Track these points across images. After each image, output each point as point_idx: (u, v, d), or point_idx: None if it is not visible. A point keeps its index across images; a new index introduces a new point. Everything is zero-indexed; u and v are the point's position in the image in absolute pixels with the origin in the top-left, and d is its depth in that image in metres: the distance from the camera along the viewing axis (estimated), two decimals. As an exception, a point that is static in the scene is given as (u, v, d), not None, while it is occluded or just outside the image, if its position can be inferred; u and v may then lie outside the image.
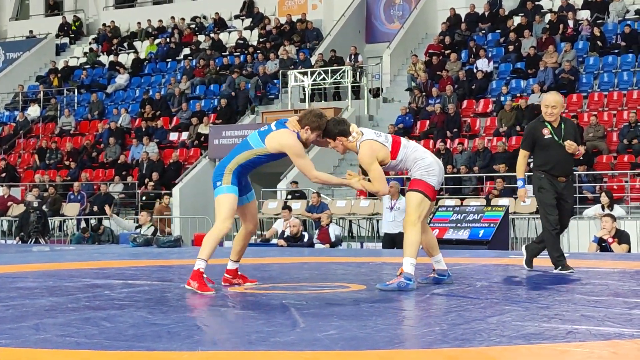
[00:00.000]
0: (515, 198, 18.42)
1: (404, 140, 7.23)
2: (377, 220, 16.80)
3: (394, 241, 15.06)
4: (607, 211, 15.15)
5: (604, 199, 15.99)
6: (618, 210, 16.06)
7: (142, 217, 17.27)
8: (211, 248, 7.04)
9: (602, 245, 13.11)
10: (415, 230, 6.98)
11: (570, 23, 24.85)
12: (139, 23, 33.68)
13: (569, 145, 8.52)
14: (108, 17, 35.13)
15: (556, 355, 4.15)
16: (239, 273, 7.55)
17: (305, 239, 15.62)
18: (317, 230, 16.75)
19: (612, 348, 4.28)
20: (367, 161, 7.00)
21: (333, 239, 15.99)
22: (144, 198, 23.24)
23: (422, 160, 7.07)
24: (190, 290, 6.90)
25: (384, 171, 7.11)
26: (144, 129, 26.37)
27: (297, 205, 19.20)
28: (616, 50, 23.33)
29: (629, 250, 13.08)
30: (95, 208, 22.38)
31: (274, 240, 16.28)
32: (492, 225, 14.53)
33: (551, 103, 8.62)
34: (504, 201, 17.47)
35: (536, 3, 26.23)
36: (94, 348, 4.36)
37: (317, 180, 7.16)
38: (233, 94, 26.38)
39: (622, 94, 21.93)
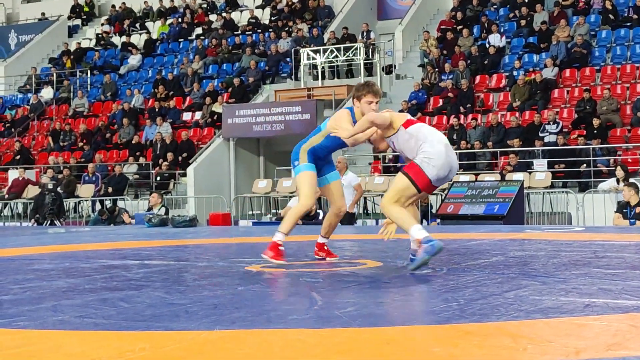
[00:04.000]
0: (530, 172, 18.39)
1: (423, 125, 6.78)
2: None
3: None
4: (622, 184, 15.11)
5: (619, 172, 15.94)
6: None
7: (153, 198, 17.29)
8: (291, 223, 7.30)
9: (624, 212, 13.12)
10: (393, 208, 6.51)
11: (582, -4, 24.74)
12: (145, 2, 33.55)
13: None
14: (120, -2, 35.15)
15: (574, 328, 4.14)
16: (325, 248, 7.70)
17: (320, 217, 15.61)
18: (332, 208, 16.72)
19: (630, 321, 4.27)
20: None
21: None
22: (158, 178, 23.30)
23: (429, 145, 6.46)
24: (265, 260, 7.19)
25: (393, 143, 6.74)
26: (157, 110, 26.39)
27: (312, 184, 19.14)
28: (628, 24, 23.20)
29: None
30: (110, 189, 22.44)
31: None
32: (507, 200, 14.52)
33: None
34: (519, 176, 17.44)
35: (548, -23, 26.09)
36: (112, 329, 4.38)
37: (353, 140, 7.00)
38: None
39: (635, 66, 21.83)
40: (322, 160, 7.43)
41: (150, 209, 17.27)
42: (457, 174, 19.01)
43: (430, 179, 6.43)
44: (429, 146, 6.44)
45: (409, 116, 6.82)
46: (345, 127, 7.00)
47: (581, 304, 4.79)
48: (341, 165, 14.91)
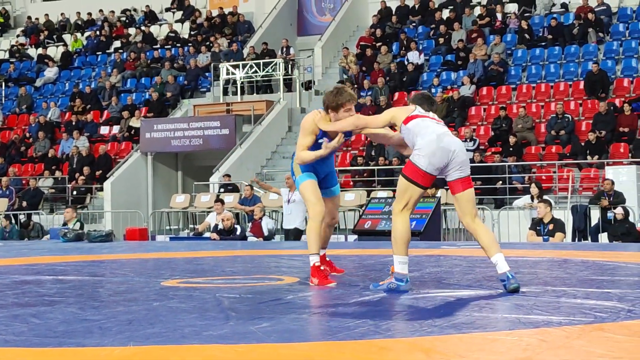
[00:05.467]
0: (447, 189, 18.58)
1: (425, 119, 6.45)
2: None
3: (287, 236, 15.31)
4: (536, 201, 15.37)
5: (534, 189, 16.19)
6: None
7: (68, 213, 17.00)
8: (316, 240, 6.90)
9: (538, 229, 13.35)
10: (398, 221, 6.25)
11: (499, 16, 25.18)
12: (62, 14, 33.10)
13: None
14: (36, 9, 34.56)
15: (486, 343, 4.20)
16: (327, 259, 7.41)
17: (238, 232, 15.59)
18: (250, 224, 16.72)
19: (541, 335, 4.35)
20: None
21: (266, 232, 15.98)
22: (74, 193, 22.99)
23: (420, 138, 6.24)
24: (315, 286, 6.73)
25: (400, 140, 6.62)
26: (74, 123, 26.05)
27: (230, 199, 19.15)
28: (543, 43, 23.69)
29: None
30: (24, 203, 22.07)
31: (207, 234, 16.21)
32: (424, 216, 14.64)
33: None
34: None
35: (465, -4, 26.51)
36: (23, 345, 4.30)
37: (299, 161, 6.89)
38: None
39: (549, 85, 22.31)
40: (320, 171, 7.10)
41: (65, 223, 17.02)
42: (375, 189, 19.15)
43: (425, 170, 6.15)
44: (421, 139, 6.24)
45: (416, 111, 6.45)
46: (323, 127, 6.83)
47: (494, 319, 4.87)
48: (290, 182, 14.93)
